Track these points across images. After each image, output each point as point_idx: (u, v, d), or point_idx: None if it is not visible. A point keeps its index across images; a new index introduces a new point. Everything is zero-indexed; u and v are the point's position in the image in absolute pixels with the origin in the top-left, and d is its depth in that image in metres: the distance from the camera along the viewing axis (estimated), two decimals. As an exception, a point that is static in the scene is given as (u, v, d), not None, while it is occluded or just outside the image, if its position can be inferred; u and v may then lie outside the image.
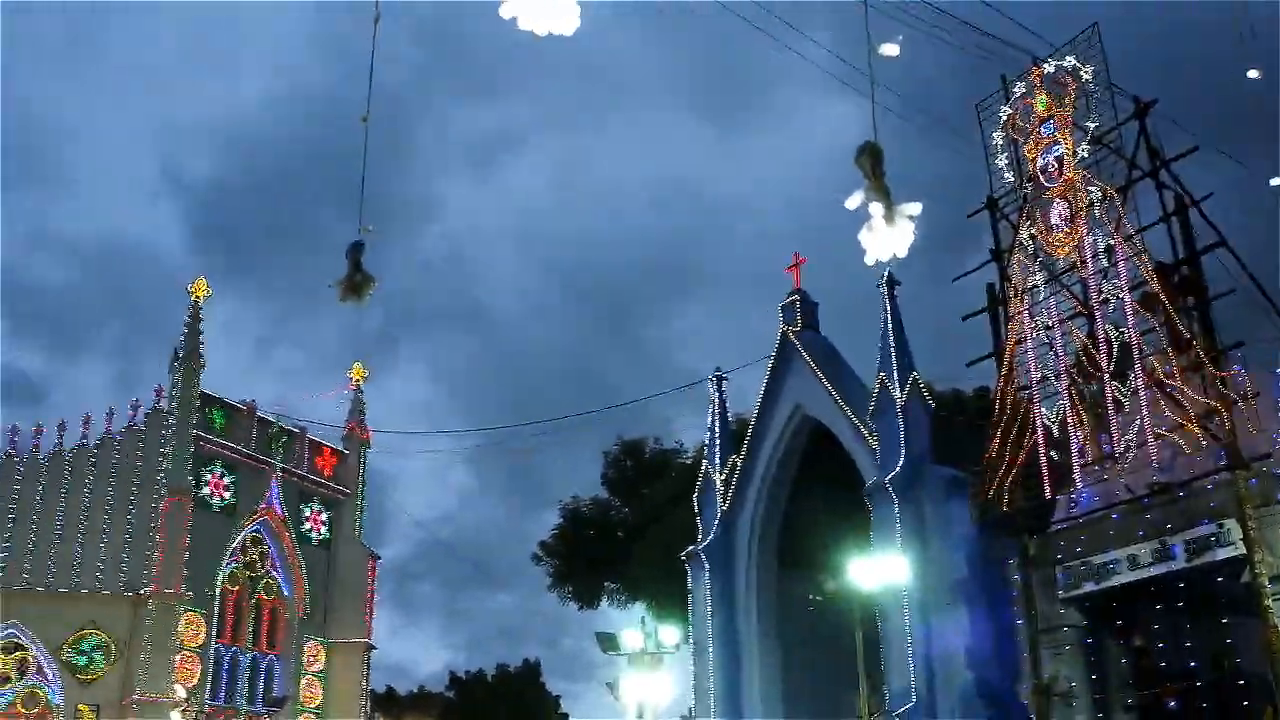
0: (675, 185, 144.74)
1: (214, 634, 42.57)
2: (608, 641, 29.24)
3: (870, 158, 7.65)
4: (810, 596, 31.15)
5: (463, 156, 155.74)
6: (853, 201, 7.52)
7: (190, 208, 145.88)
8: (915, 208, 7.48)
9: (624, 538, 49.25)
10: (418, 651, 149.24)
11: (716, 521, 32.91)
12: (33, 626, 39.27)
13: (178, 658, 40.28)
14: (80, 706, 38.91)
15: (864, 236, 7.47)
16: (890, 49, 10.55)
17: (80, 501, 41.05)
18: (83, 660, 39.53)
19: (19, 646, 39.23)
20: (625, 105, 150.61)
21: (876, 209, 7.42)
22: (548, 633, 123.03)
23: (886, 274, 29.10)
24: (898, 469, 27.13)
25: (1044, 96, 26.89)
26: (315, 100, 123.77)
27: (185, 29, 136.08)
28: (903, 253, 7.46)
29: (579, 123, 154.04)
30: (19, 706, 38.90)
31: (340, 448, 49.63)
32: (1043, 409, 25.43)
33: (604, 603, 51.99)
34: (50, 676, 39.18)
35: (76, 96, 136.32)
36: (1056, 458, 25.00)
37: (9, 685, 38.90)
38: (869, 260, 7.51)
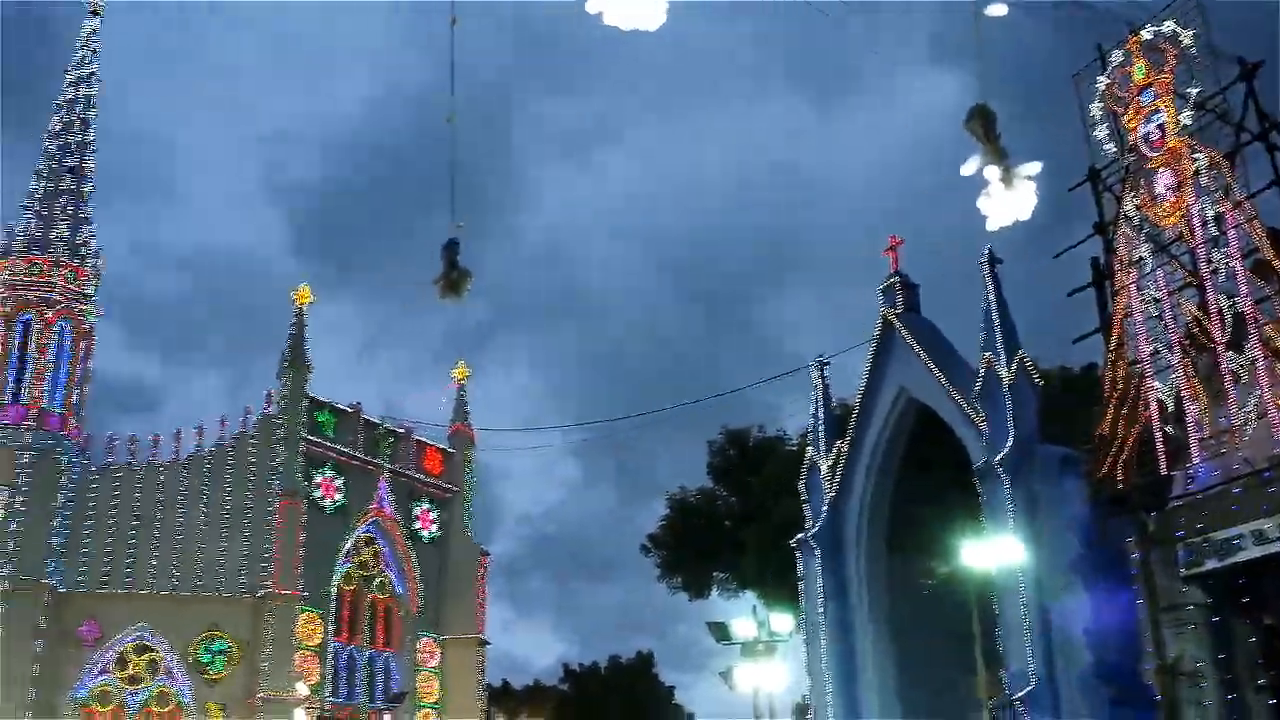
0: (772, 168, 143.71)
1: (332, 633, 43.52)
2: (720, 631, 29.23)
3: (982, 121, 7.40)
4: (923, 580, 30.88)
5: (558, 149, 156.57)
6: (968, 167, 7.30)
7: (293, 212, 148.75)
8: (1034, 167, 7.25)
9: (731, 527, 49.19)
10: (530, 645, 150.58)
11: (824, 508, 32.71)
12: (160, 629, 40.62)
13: (298, 656, 41.27)
14: (208, 705, 40.10)
15: (983, 203, 7.24)
16: (997, 9, 10.30)
17: (199, 507, 42.30)
18: (208, 660, 40.71)
19: (148, 648, 40.57)
20: (718, 91, 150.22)
21: (993, 173, 7.20)
22: (659, 624, 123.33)
23: (988, 251, 28.65)
24: (1007, 449, 26.70)
25: (1142, 64, 26.24)
26: (412, 99, 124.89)
27: (279, 35, 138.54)
28: (1025, 215, 7.23)
29: (673, 111, 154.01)
30: (152, 706, 40.22)
31: (446, 447, 50.32)
32: (1155, 383, 24.87)
33: (714, 592, 52.00)
34: (179, 676, 40.42)
35: (176, 107, 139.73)
36: (1172, 432, 24.43)
37: (142, 685, 40.25)
38: (991, 226, 7.28)
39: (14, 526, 39.10)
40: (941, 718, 29.19)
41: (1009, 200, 7.19)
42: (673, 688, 75.77)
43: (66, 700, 39.08)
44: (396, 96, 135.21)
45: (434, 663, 46.76)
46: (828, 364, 34.49)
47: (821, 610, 31.60)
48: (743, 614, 30.12)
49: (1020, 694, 24.79)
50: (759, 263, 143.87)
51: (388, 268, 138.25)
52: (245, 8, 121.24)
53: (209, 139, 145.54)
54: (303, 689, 40.81)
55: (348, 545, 45.15)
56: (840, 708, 30.51)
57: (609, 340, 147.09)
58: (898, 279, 31.97)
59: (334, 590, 44.08)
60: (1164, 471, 24.38)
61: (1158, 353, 25.02)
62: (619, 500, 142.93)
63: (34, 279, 42.26)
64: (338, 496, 45.01)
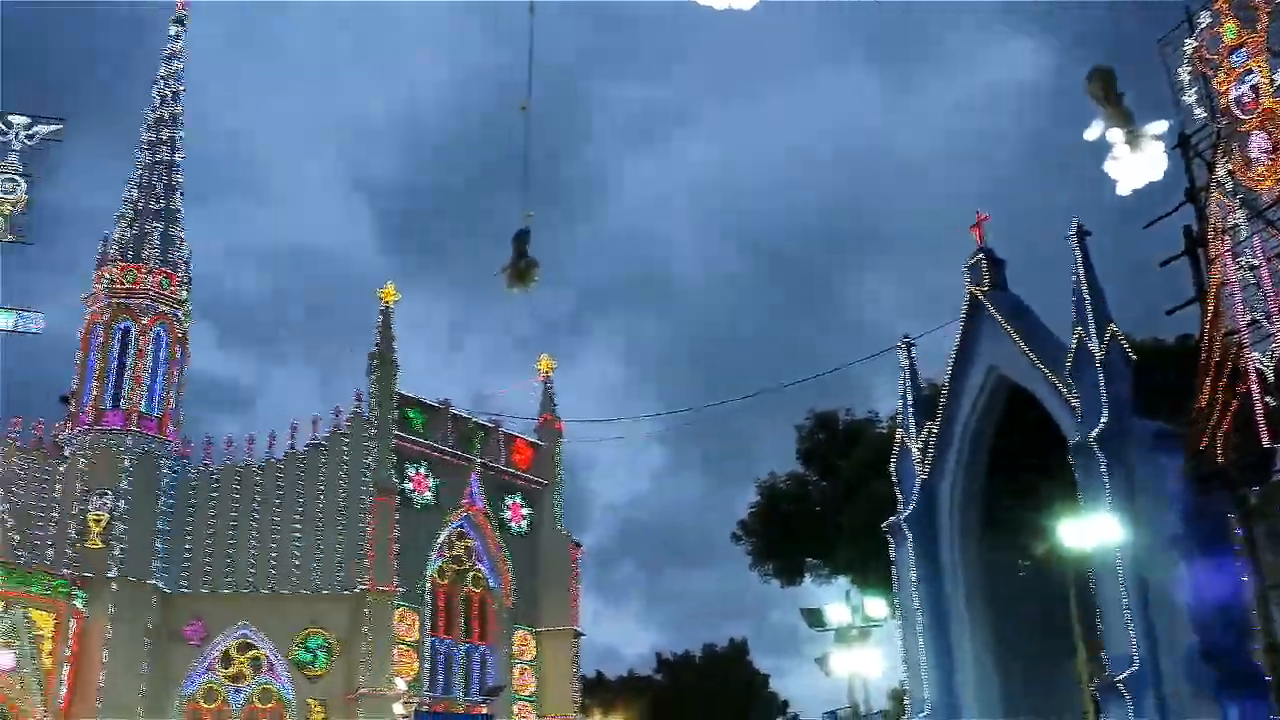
0: (852, 144, 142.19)
1: (428, 628, 44.03)
2: (813, 617, 29.09)
3: (1102, 82, 7.11)
4: (1019, 561, 30.45)
5: (636, 133, 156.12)
6: (1091, 132, 7.02)
7: (377, 207, 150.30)
8: (1160, 126, 6.98)
9: (823, 512, 48.89)
10: (624, 635, 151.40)
11: (916, 490, 32.38)
12: (262, 627, 41.39)
13: (395, 652, 41.81)
14: (309, 701, 40.79)
15: (1111, 167, 6.97)
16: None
17: (295, 506, 43.01)
18: (308, 657, 41.41)
19: (251, 646, 41.37)
20: (795, 68, 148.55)
21: (1118, 136, 6.93)
22: (752, 610, 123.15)
23: (1076, 224, 28.12)
24: (1101, 425, 26.21)
25: (1232, 24, 25.50)
26: (491, 88, 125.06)
27: (353, 27, 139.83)
28: (1157, 175, 6.95)
29: (750, 90, 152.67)
30: (255, 702, 41.04)
31: (535, 439, 50.62)
32: (1254, 353, 24.19)
33: (807, 578, 51.76)
34: (281, 673, 41.17)
35: (255, 104, 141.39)
36: (1272, 404, 23.75)
37: (245, 682, 41.08)
38: (1122, 190, 7.01)
39: (119, 530, 40.11)
40: (1040, 700, 28.78)
41: (1137, 162, 6.91)
42: (767, 675, 75.66)
43: (175, 698, 40.01)
44: (474, 84, 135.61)
45: (529, 655, 47.11)
46: (914, 344, 34.13)
47: (916, 594, 31.32)
48: (836, 599, 29.95)
49: (1122, 676, 24.33)
50: (842, 242, 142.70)
51: (471, 258, 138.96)
52: (316, 3, 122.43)
53: (290, 135, 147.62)
54: (400, 684, 41.32)
55: (441, 540, 45.63)
56: (937, 692, 30.22)
57: (693, 324, 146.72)
58: (984, 255, 31.52)
59: (429, 585, 44.58)
60: (1266, 444, 23.71)
61: (1256, 322, 24.32)
62: (709, 486, 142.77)
63: (130, 287, 43.20)
64: (429, 492, 45.49)
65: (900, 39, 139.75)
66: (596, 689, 66.00)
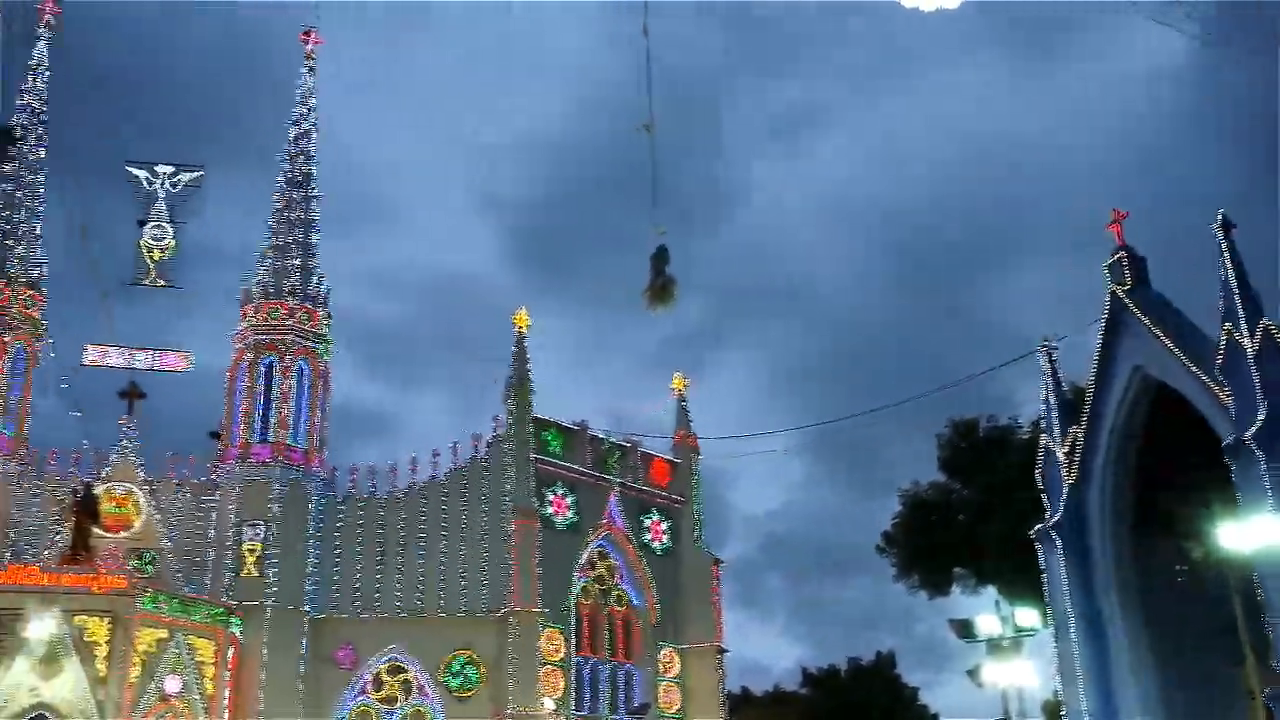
0: (988, 140, 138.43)
1: (573, 647, 44.37)
2: (964, 628, 28.64)
3: None
4: (1175, 566, 29.47)
5: (767, 137, 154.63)
6: None
7: (507, 227, 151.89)
8: None
9: (967, 521, 48.10)
10: (768, 650, 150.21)
11: (1063, 496, 31.59)
12: (411, 650, 42.20)
13: (542, 672, 42.19)
14: (460, 722, 41.45)
15: None
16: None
17: (439, 531, 43.85)
18: (457, 680, 42.03)
19: (401, 669, 42.20)
20: (927, 63, 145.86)
21: None
22: (898, 622, 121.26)
23: (1221, 216, 27.20)
24: (1259, 423, 25.20)
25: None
26: (618, 103, 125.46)
27: (474, 47, 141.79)
28: None
29: (882, 88, 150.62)
30: (406, 725, 41.90)
31: (672, 457, 50.73)
32: None
33: (954, 589, 50.91)
34: (431, 695, 41.89)
35: (383, 128, 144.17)
36: None
37: (397, 705, 41.91)
38: None
39: (272, 559, 41.41)
40: (1204, 709, 27.79)
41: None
42: (916, 689, 74.43)
43: (331, 720, 41.07)
44: (599, 98, 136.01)
45: (674, 672, 47.10)
46: (1056, 347, 33.38)
47: (1068, 602, 30.51)
48: (986, 610, 29.39)
49: (1294, 682, 23.35)
50: (979, 241, 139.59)
51: (603, 274, 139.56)
52: (439, 25, 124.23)
53: (419, 159, 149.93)
54: (549, 704, 41.70)
55: (582, 560, 45.96)
56: (1095, 703, 29.37)
57: (830, 331, 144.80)
58: (1124, 253, 30.68)
59: (572, 605, 44.93)
60: None
61: None
62: (851, 497, 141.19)
63: (273, 324, 44.62)
64: (569, 513, 45.84)
65: (1036, 30, 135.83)
66: (742, 705, 65.70)
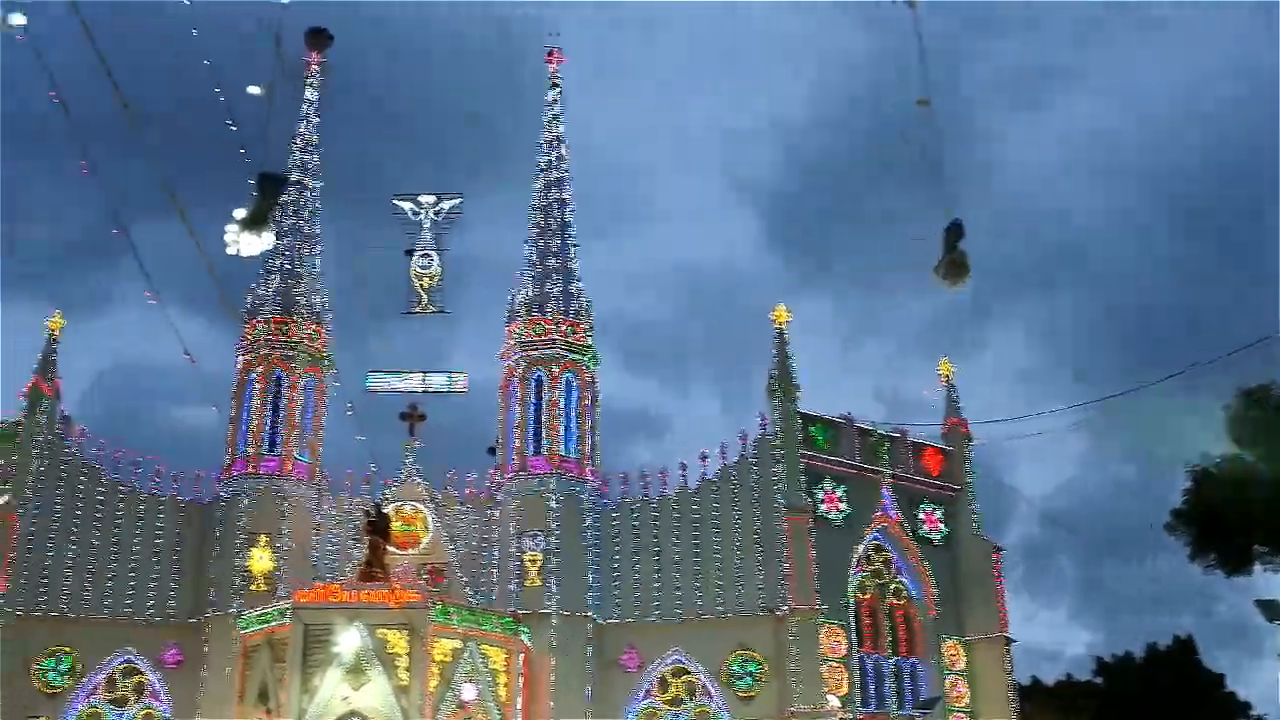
0: (1250, 77, 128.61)
1: (855, 643, 43.91)
2: (1271, 610, 26.91)
3: None
4: None
5: (1014, 98, 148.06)
6: None
7: (762, 216, 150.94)
8: None
9: (1265, 496, 45.09)
10: (1055, 636, 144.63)
11: (1378, 465, 29.29)
12: (692, 651, 42.71)
13: (825, 669, 41.95)
14: (746, 722, 41.68)
15: None
16: None
17: (711, 532, 44.24)
18: (740, 679, 42.28)
19: (685, 671, 42.75)
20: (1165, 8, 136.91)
21: None
22: (1195, 604, 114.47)
23: None
24: None
25: None
26: (863, 82, 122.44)
27: (711, 36, 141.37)
28: None
29: (1127, 38, 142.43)
30: (694, 725, 42.46)
31: (943, 445, 49.61)
32: None
33: (1255, 567, 47.82)
34: (714, 695, 42.28)
35: (636, 128, 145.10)
36: None
37: (682, 707, 42.45)
38: None
39: (553, 567, 42.65)
40: None
41: None
42: (1221, 675, 70.19)
43: (620, 723, 42.00)
44: (840, 80, 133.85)
45: (960, 665, 45.98)
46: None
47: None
48: (1296, 590, 27.50)
49: None
50: (1261, 192, 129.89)
51: (860, 259, 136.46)
52: (676, 13, 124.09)
53: (669, 153, 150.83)
54: (834, 701, 41.43)
55: (858, 555, 45.44)
56: None
57: (1103, 296, 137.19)
58: None
59: (851, 601, 44.48)
60: None
61: None
62: (1136, 473, 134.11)
63: (538, 339, 45.98)
64: (842, 508, 45.41)
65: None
66: (1033, 695, 63.35)
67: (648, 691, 42.67)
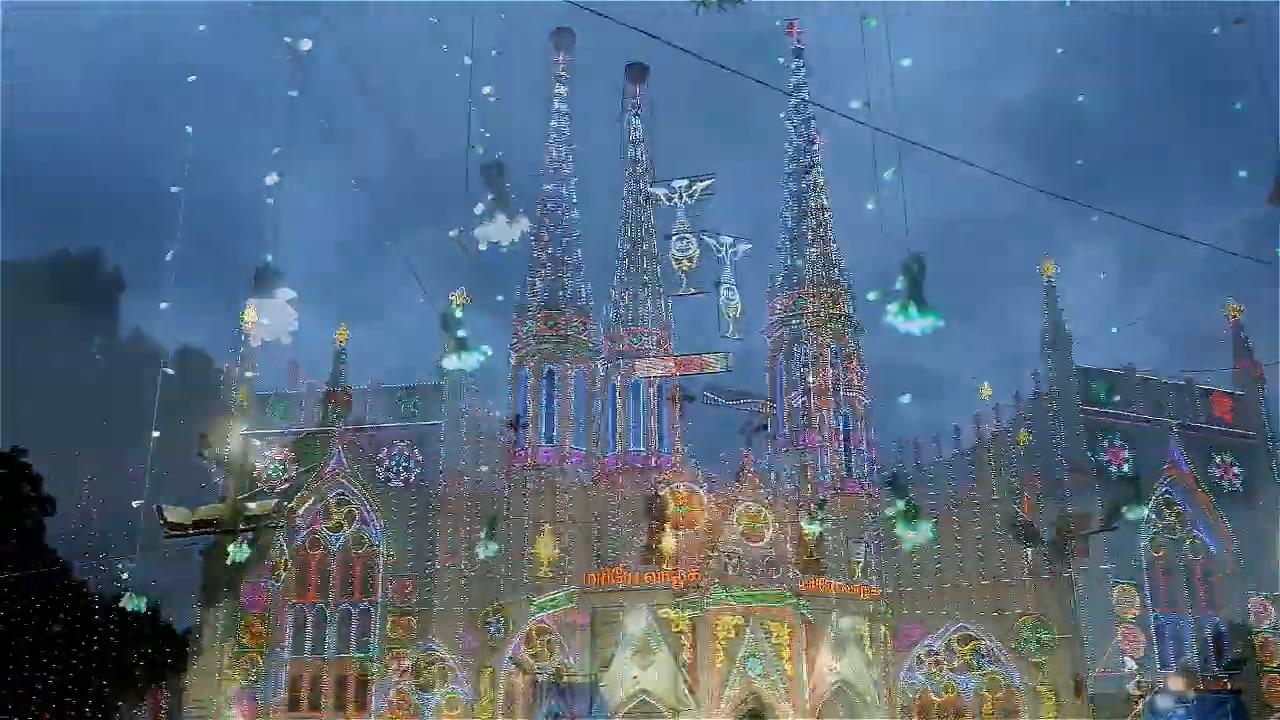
0: None
1: (1150, 602, 42.27)
2: None
3: None
4: None
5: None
6: None
7: (1020, 154, 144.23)
8: None
9: None
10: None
11: None
12: (977, 619, 42.24)
13: (1120, 630, 40.66)
14: (1038, 689, 40.81)
15: None
16: None
17: (990, 495, 43.46)
18: (1028, 644, 41.39)
19: (971, 638, 42.31)
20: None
21: None
22: None
23: None
24: None
25: None
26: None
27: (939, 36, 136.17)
28: None
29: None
30: (984, 692, 41.92)
31: (1235, 390, 46.86)
32: None
33: None
34: (1004, 661, 41.65)
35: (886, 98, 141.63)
36: None
37: (970, 673, 42.06)
38: None
39: (830, 541, 42.65)
40: None
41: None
42: None
43: (902, 693, 42.27)
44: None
45: (1269, 621, 43.47)
46: None
47: None
48: None
49: None
50: None
51: (1136, 195, 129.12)
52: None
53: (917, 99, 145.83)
54: (1130, 663, 40.13)
55: (1147, 510, 43.55)
56: None
57: None
58: None
59: (1143, 559, 42.85)
60: None
61: None
62: None
63: (798, 313, 46.33)
64: (1126, 463, 43.67)
65: None
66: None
67: (936, 660, 42.38)
